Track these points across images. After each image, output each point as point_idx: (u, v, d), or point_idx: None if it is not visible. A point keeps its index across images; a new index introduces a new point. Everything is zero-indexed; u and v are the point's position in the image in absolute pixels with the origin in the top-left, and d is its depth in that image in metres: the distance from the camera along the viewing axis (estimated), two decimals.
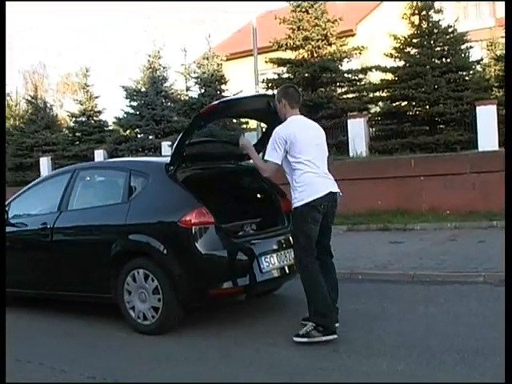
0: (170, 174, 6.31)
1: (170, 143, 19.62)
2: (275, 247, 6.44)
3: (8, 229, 7.69)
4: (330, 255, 6.01)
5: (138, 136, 22.47)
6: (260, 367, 5.00)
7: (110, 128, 25.35)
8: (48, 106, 28.68)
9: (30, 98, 28.55)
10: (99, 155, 22.23)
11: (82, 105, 25.28)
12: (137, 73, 24.41)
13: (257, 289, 6.33)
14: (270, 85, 20.03)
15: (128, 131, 22.36)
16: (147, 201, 6.37)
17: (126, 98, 22.86)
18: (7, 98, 32.36)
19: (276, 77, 20.29)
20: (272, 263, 6.27)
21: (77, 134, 25.25)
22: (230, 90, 21.63)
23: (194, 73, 22.77)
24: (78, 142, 24.84)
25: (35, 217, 7.54)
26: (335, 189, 5.75)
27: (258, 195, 7.22)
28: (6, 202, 8.09)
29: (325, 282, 5.70)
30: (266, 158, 5.75)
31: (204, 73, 21.56)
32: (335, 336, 5.43)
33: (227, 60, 23.47)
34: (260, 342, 5.53)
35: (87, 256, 6.78)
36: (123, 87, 22.89)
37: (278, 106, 5.90)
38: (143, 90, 22.97)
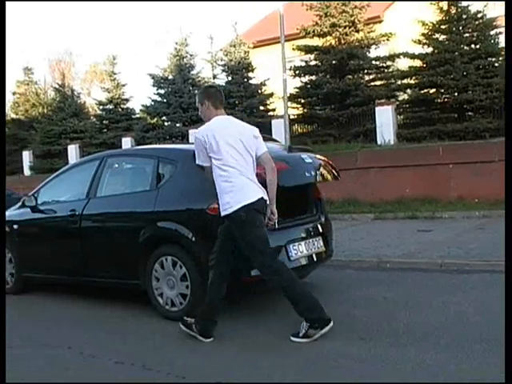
0: None
1: (197, 131, 19.64)
2: (303, 235, 6.46)
3: (37, 215, 7.84)
4: None
5: (165, 124, 22.54)
6: (288, 355, 4.99)
7: (138, 116, 25.47)
8: (75, 93, 28.87)
9: (57, 86, 28.78)
10: (126, 143, 22.35)
11: (109, 93, 25.43)
12: (164, 61, 24.50)
13: None
14: (297, 72, 19.96)
15: (155, 119, 22.43)
16: (176, 188, 6.39)
17: (154, 85, 22.95)
18: (35, 86, 32.67)
19: (303, 64, 20.22)
20: (300, 251, 6.28)
21: (104, 121, 25.46)
22: (257, 78, 21.63)
23: (221, 60, 22.77)
24: (105, 130, 25.03)
25: (64, 203, 7.63)
26: (265, 195, 5.45)
27: None
28: (36, 189, 8.18)
29: None
30: (196, 162, 5.63)
31: (231, 60, 21.58)
32: (331, 324, 5.27)
33: (254, 47, 23.43)
34: (290, 331, 5.53)
35: (115, 243, 6.84)
36: (150, 75, 22.96)
37: (200, 108, 5.77)
38: (170, 77, 23.03)
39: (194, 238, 6.04)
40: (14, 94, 32.53)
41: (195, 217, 6.10)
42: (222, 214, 5.39)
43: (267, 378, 4.50)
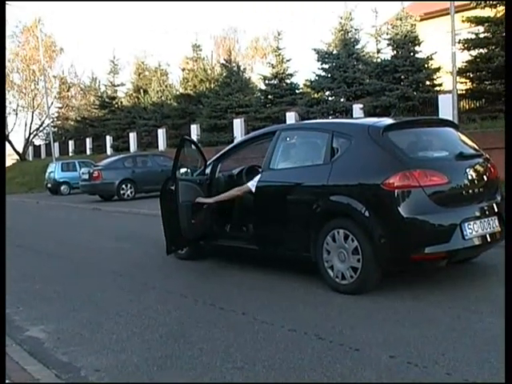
0: (373, 137, 6.31)
1: (361, 106, 19.53)
2: (478, 214, 6.26)
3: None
4: None
5: (329, 99, 22.59)
6: (463, 334, 4.91)
7: (301, 90, 25.70)
8: (241, 69, 29.59)
9: (224, 62, 29.64)
10: (291, 117, 22.65)
11: (273, 68, 25.85)
12: (328, 35, 24.52)
13: (459, 255, 6.22)
14: (466, 45, 19.20)
15: (319, 94, 22.52)
16: (350, 163, 6.41)
17: (318, 60, 23.03)
18: (203, 62, 33.81)
19: (473, 37, 19.36)
20: (475, 230, 6.11)
21: (269, 96, 25.94)
22: (424, 52, 21.07)
23: (387, 34, 22.43)
24: (269, 105, 25.49)
25: None
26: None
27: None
28: (209, 161, 8.40)
29: None
30: None
31: (397, 34, 21.13)
32: None
33: (421, 20, 22.79)
34: (461, 308, 5.44)
35: (288, 215, 6.97)
36: (315, 50, 23.06)
37: None
38: (335, 52, 23.00)
39: (366, 213, 6.04)
40: (183, 70, 33.89)
41: (369, 191, 6.11)
42: None
43: None
